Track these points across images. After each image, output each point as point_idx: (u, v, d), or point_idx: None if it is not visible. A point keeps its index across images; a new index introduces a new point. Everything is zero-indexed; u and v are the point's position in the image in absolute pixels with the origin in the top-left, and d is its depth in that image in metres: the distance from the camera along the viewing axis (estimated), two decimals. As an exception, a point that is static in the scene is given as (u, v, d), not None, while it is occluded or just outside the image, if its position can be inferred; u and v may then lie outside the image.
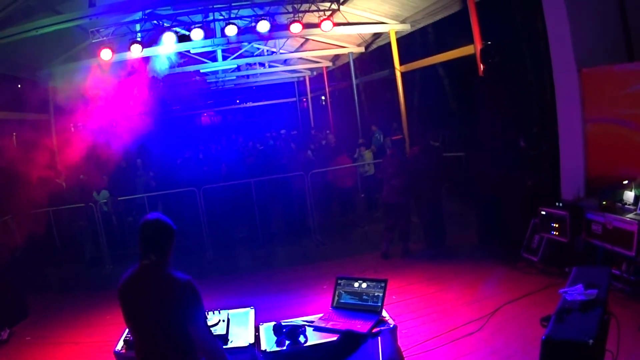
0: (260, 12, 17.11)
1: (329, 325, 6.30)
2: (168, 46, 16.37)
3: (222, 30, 16.61)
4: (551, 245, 11.28)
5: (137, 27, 16.78)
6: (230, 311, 6.85)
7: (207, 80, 31.06)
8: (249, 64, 29.05)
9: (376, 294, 6.60)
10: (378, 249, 13.84)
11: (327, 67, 30.49)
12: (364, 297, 6.66)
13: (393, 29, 18.88)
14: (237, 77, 31.88)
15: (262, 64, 29.79)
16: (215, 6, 16.32)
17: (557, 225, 10.95)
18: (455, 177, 15.17)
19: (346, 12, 17.91)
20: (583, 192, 11.29)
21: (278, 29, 17.15)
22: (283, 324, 6.26)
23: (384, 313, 6.51)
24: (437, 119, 20.55)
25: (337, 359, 5.58)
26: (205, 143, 25.90)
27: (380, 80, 24.74)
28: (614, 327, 5.30)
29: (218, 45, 19.34)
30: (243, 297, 10.89)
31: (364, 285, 6.74)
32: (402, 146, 14.25)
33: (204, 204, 15.56)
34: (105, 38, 15.99)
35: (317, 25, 16.82)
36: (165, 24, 16.55)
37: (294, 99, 40.17)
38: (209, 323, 6.29)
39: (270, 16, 16.60)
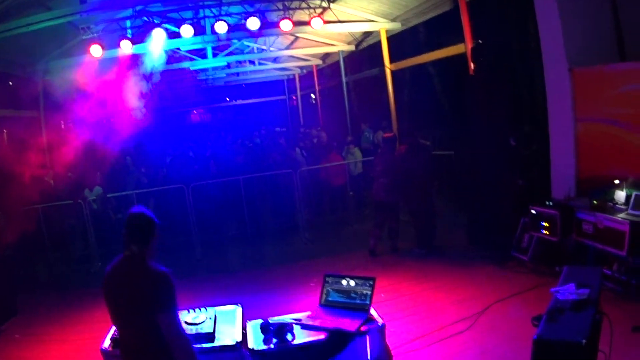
0: (251, 9, 17.01)
1: (316, 323, 6.24)
2: (158, 43, 16.31)
3: (212, 27, 16.55)
4: (541, 244, 11.26)
5: (128, 23, 16.73)
6: (218, 309, 6.77)
7: (197, 78, 30.98)
8: (239, 62, 29.06)
9: (364, 292, 6.55)
10: (366, 248, 13.81)
11: (317, 65, 30.46)
12: (352, 295, 6.60)
13: (383, 27, 18.83)
14: (227, 74, 31.79)
15: (252, 62, 29.77)
16: (205, 3, 16.27)
17: (547, 225, 10.92)
18: (445, 176, 15.12)
19: (337, 9, 17.85)
20: (574, 192, 11.29)
21: (268, 26, 17.08)
22: (270, 321, 6.19)
23: (372, 311, 6.44)
24: (427, 117, 20.52)
25: (325, 358, 5.52)
26: (195, 141, 25.81)
27: (370, 78, 24.71)
28: (605, 327, 5.25)
29: (208, 42, 19.34)
30: (231, 295, 10.87)
31: (352, 283, 6.68)
32: (393, 144, 14.16)
33: (192, 201, 15.48)
34: (95, 34, 15.95)
35: (307, 23, 16.77)
36: (155, 21, 16.50)
37: (283, 97, 40.10)
38: (196, 321, 6.25)
39: (260, 13, 16.56)
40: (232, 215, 17.33)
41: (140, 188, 16.79)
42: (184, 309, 6.56)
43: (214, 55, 24.21)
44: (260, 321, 6.29)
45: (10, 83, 18.67)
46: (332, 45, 23.50)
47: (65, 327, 11.08)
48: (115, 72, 17.82)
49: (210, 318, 6.39)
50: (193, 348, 5.03)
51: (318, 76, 31.70)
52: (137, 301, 4.91)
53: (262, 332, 6.09)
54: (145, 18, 16.53)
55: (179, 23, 16.79)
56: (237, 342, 6.03)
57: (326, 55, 28.03)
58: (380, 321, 6.26)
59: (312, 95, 35.38)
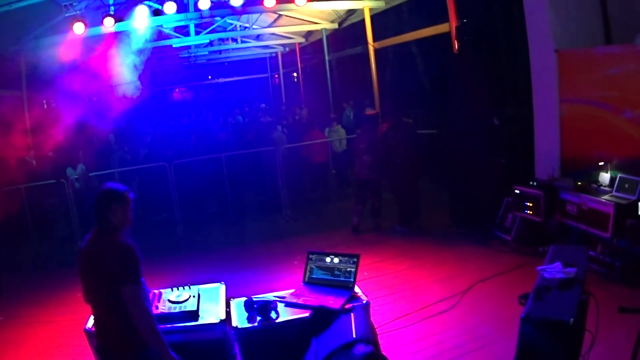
0: (234, -14, 16.88)
1: (300, 301, 6.20)
2: (141, 20, 16.15)
3: (195, 4, 16.43)
4: (525, 224, 11.28)
5: (110, 0, 16.55)
6: (201, 286, 6.72)
7: (180, 56, 30.80)
8: (222, 39, 28.86)
9: (348, 270, 6.50)
10: (349, 225, 13.86)
11: (299, 44, 30.32)
12: (336, 272, 6.56)
13: (367, 5, 18.72)
14: (210, 52, 31.66)
15: (234, 40, 29.58)
16: (189, -22, 16.15)
17: (531, 205, 10.94)
18: (428, 155, 15.09)
19: (321, -13, 17.75)
20: (557, 172, 11.30)
21: (252, 3, 16.92)
22: (254, 299, 6.15)
23: (357, 289, 6.41)
24: (410, 96, 20.45)
25: (310, 335, 5.49)
26: (177, 119, 25.70)
27: (354, 56, 24.59)
28: (592, 307, 5.25)
29: (191, 19, 19.14)
30: (214, 273, 10.78)
31: (336, 260, 6.63)
32: (376, 122, 14.13)
33: (175, 179, 15.42)
34: (78, 12, 15.78)
35: (291, 0, 16.64)
36: (138, -3, 16.36)
37: (266, 75, 39.98)
38: (179, 299, 6.21)
39: (244, -11, 16.41)
40: (214, 193, 17.27)
41: (124, 166, 16.67)
42: (167, 287, 6.54)
43: (197, 33, 24.04)
44: (244, 299, 6.23)
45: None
46: (315, 23, 23.38)
47: (50, 307, 11.04)
48: (99, 49, 17.66)
49: (194, 296, 6.33)
50: (156, 324, 5.06)
51: (301, 54, 31.50)
52: (102, 274, 5.00)
53: (246, 310, 6.04)
54: (128, -6, 16.39)
55: (162, 0, 16.66)
56: (220, 320, 6.00)
57: (309, 34, 27.91)
58: (364, 299, 6.23)
59: (295, 74, 35.22)
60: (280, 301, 6.21)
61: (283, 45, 32.50)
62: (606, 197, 9.67)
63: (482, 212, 12.43)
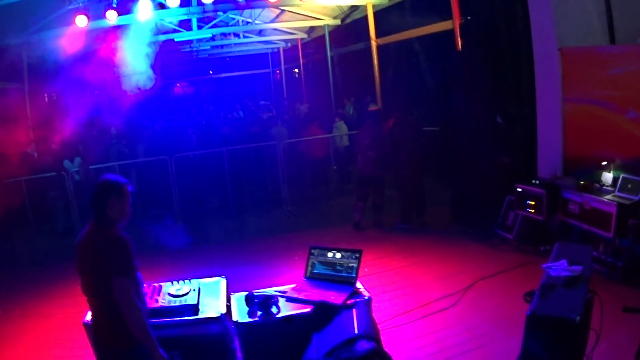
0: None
1: (302, 296, 6.18)
2: (144, 13, 16.10)
3: (199, -2, 16.42)
4: (527, 223, 11.27)
5: (114, -7, 16.53)
6: (202, 280, 6.68)
7: (182, 50, 30.76)
8: (224, 34, 28.81)
9: (350, 265, 6.47)
10: (350, 222, 13.84)
11: (301, 39, 30.28)
12: (338, 267, 6.53)
13: (370, 1, 18.70)
14: (212, 47, 31.73)
15: (236, 35, 29.54)
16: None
17: (533, 203, 10.92)
18: (431, 152, 15.05)
19: (324, -18, 17.72)
20: (560, 171, 11.27)
21: (255, -3, 16.94)
22: (255, 294, 6.12)
23: (359, 284, 6.39)
24: (412, 93, 20.41)
25: (311, 331, 5.45)
26: (179, 113, 25.68)
27: (356, 53, 24.53)
28: (595, 306, 5.22)
29: (194, 14, 19.09)
30: (214, 267, 10.76)
31: (338, 255, 6.60)
32: (378, 118, 14.10)
33: (175, 173, 15.39)
34: (81, 4, 15.71)
35: (295, -5, 16.63)
36: (141, -10, 16.29)
37: (267, 70, 39.91)
38: (180, 292, 6.17)
39: (248, -16, 16.40)
40: (215, 187, 17.23)
41: (123, 160, 16.62)
42: (167, 281, 6.51)
43: (199, 27, 24.00)
44: (244, 293, 6.20)
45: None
46: (318, 19, 23.34)
47: (49, 301, 10.99)
48: (104, 41, 17.62)
49: (195, 290, 6.29)
50: (145, 320, 5.02)
51: (303, 50, 31.53)
52: (95, 266, 4.97)
53: (247, 304, 6.01)
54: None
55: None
56: (221, 314, 5.97)
57: (311, 29, 27.85)
58: (366, 294, 6.20)
59: (296, 70, 35.19)
60: (282, 296, 6.19)
61: (285, 40, 32.46)
62: (609, 196, 9.65)
63: (483, 210, 12.41)
